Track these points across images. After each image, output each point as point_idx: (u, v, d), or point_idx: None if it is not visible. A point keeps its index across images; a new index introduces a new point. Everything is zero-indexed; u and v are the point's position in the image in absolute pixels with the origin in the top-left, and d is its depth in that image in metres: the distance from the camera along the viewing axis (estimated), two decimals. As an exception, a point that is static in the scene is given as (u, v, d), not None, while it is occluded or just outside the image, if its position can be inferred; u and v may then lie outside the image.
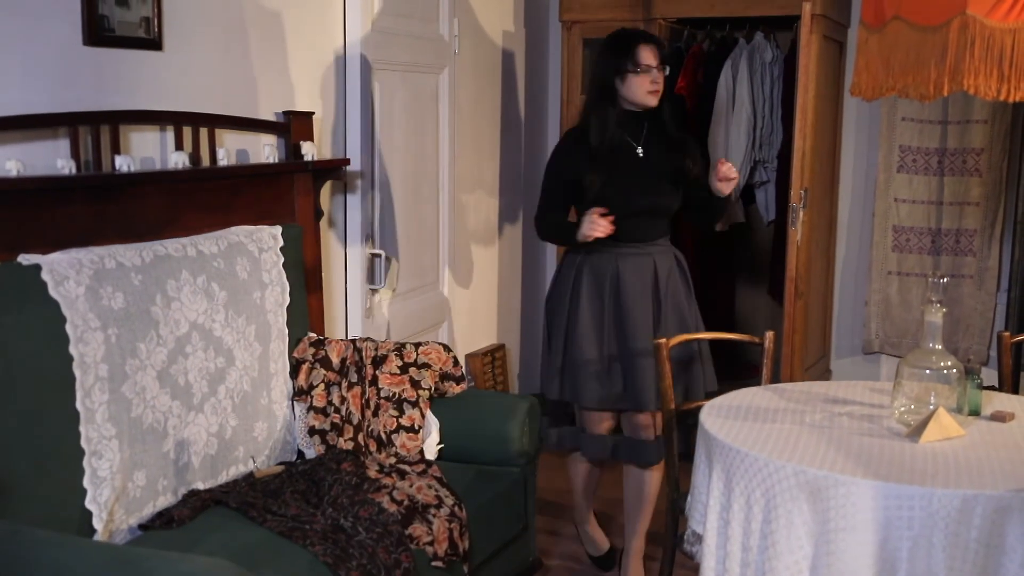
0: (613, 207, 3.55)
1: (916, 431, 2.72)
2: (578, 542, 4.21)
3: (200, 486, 3.00)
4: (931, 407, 2.76)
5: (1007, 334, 3.66)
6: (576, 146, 3.70)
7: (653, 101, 3.65)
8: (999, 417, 2.92)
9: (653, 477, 3.85)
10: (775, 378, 3.75)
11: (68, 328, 2.65)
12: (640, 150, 3.70)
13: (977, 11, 2.73)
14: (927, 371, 2.80)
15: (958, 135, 5.17)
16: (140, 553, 2.29)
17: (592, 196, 3.62)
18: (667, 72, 3.66)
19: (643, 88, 3.62)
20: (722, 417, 2.87)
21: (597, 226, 3.47)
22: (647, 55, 3.61)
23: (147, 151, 3.25)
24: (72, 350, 2.65)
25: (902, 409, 2.83)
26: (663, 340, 3.38)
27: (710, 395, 3.52)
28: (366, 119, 4.18)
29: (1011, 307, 4.87)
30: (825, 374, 5.54)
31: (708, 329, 3.89)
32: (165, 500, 2.88)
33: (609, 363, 3.68)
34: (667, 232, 3.79)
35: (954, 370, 2.81)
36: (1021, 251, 4.79)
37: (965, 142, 5.16)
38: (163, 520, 2.80)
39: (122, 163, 3.04)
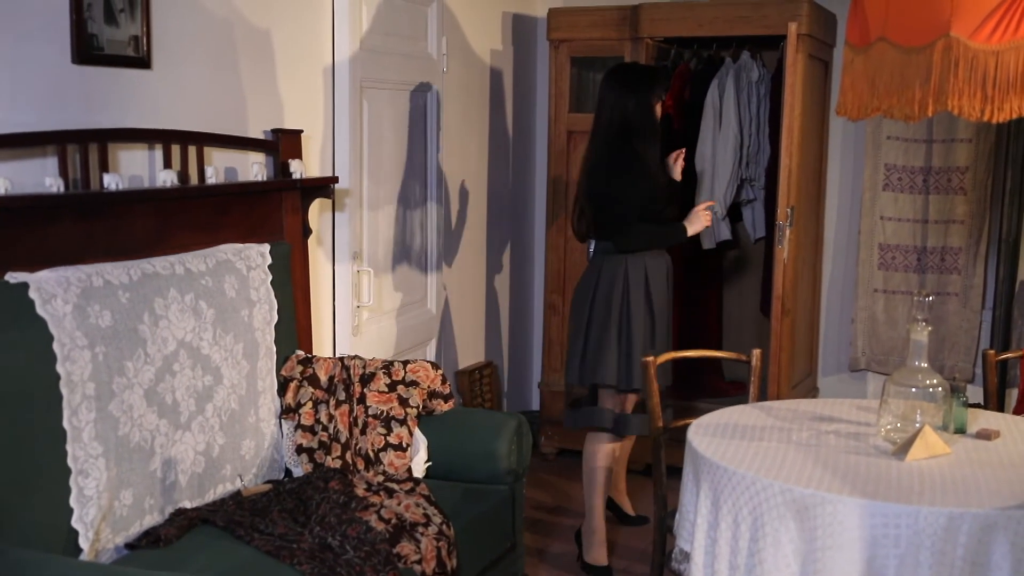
0: (655, 215, 4.06)
1: (902, 449, 2.73)
2: (565, 560, 4.21)
3: (187, 505, 2.99)
4: (917, 425, 2.78)
5: (992, 352, 3.68)
6: (644, 164, 4.02)
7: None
8: (984, 435, 2.93)
9: None
10: (762, 396, 3.76)
11: (55, 346, 2.64)
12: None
13: (960, 33, 2.75)
14: (913, 389, 2.82)
15: (943, 154, 5.21)
16: (126, 573, 2.29)
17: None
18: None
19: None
20: (709, 435, 2.88)
21: (708, 216, 4.16)
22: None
23: (135, 169, 3.26)
24: (59, 368, 2.64)
25: (888, 427, 2.84)
26: (651, 358, 3.39)
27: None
28: (355, 137, 4.19)
29: (996, 325, 4.89)
30: (812, 391, 5.55)
31: (695, 347, 3.91)
32: (152, 519, 2.87)
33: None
34: None
35: (940, 388, 2.82)
36: (1005, 269, 4.82)
37: (950, 161, 5.20)
38: (150, 539, 2.79)
39: (110, 181, 3.04)
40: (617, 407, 4.10)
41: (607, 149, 3.99)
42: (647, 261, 4.04)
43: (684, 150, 4.29)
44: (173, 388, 2.96)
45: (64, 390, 2.64)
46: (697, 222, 4.12)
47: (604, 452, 4.13)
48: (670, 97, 5.21)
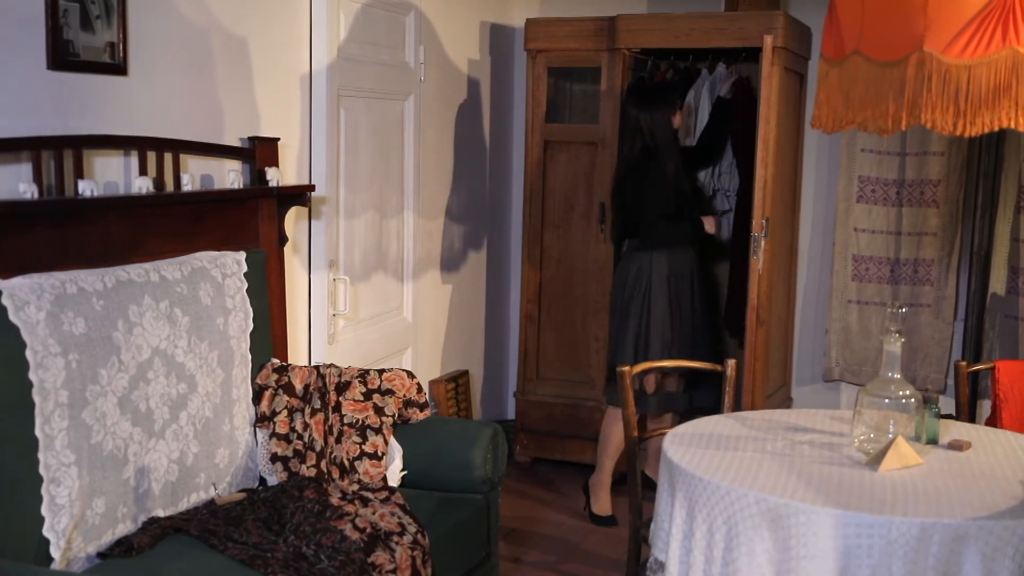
0: (678, 215, 4.64)
1: (875, 459, 2.75)
2: (540, 568, 4.21)
3: (160, 513, 2.97)
4: (890, 436, 2.80)
5: (963, 363, 3.71)
6: (663, 173, 4.60)
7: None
8: (956, 446, 2.96)
9: None
10: (737, 406, 3.78)
11: (28, 354, 2.62)
12: None
13: (934, 48, 2.78)
14: (886, 400, 2.84)
15: (916, 167, 5.25)
16: (99, 582, 2.26)
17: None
18: None
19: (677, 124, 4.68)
20: (684, 445, 2.89)
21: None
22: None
23: (111, 176, 3.24)
24: (32, 376, 2.62)
25: (862, 437, 2.86)
26: (627, 368, 3.41)
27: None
28: (331, 145, 4.18)
29: (967, 336, 4.94)
30: (786, 402, 5.58)
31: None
32: (125, 528, 2.85)
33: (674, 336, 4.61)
34: None
35: (912, 399, 2.85)
36: (977, 281, 4.87)
37: (923, 173, 5.25)
38: (122, 548, 2.77)
39: (85, 188, 3.02)
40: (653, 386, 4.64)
41: (630, 163, 4.60)
42: (671, 255, 4.58)
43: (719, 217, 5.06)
44: (147, 396, 2.94)
45: (37, 398, 2.62)
46: (709, 222, 4.70)
47: (617, 422, 4.48)
48: None
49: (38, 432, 2.62)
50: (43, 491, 2.63)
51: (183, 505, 3.07)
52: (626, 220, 4.70)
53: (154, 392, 2.97)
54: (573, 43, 5.19)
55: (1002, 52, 2.72)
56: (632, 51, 5.15)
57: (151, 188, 3.27)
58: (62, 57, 3.02)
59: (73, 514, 2.68)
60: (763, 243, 4.67)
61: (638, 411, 4.49)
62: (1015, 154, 4.99)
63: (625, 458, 3.48)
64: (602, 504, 4.75)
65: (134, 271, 3.01)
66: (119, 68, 3.23)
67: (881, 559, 2.38)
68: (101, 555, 2.76)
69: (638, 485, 3.38)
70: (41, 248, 2.86)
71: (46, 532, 2.63)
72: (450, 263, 5.37)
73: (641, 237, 4.61)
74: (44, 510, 2.63)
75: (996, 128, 2.80)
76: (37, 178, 2.90)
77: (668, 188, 4.55)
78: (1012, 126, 2.78)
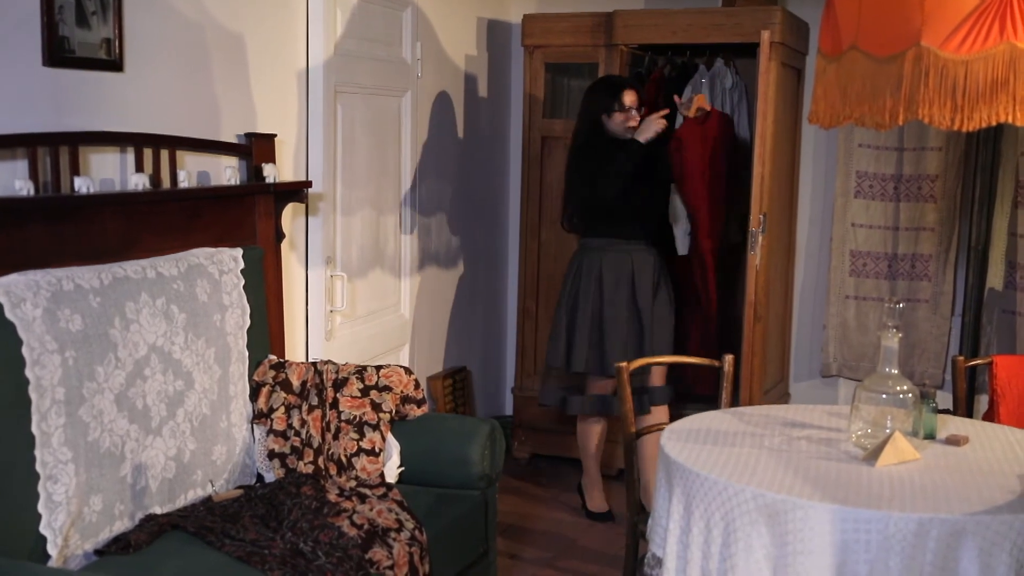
0: (624, 206, 4.54)
1: (873, 455, 2.75)
2: (537, 564, 4.21)
3: (157, 510, 2.97)
4: (887, 431, 2.79)
5: (961, 358, 3.71)
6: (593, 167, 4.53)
7: (628, 135, 4.47)
8: (954, 441, 2.96)
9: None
10: (735, 401, 3.78)
11: (24, 351, 2.61)
12: None
13: (931, 43, 2.78)
14: (883, 395, 2.84)
15: (913, 162, 5.25)
16: (96, 579, 2.26)
17: None
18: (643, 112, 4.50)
19: (625, 124, 4.47)
20: (682, 441, 2.89)
21: (661, 121, 4.46)
22: (630, 99, 4.48)
23: (107, 173, 3.23)
24: (28, 373, 2.61)
25: (859, 433, 2.86)
26: (624, 364, 3.40)
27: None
28: (328, 141, 4.17)
29: (965, 331, 4.94)
30: (784, 397, 5.58)
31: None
32: (122, 525, 2.85)
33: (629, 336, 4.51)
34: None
35: (910, 394, 2.85)
36: (975, 276, 4.87)
37: (920, 169, 5.25)
38: (119, 545, 2.77)
39: (81, 185, 3.02)
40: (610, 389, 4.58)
41: (569, 156, 4.61)
42: (604, 255, 4.49)
43: (666, 111, 4.55)
44: (144, 393, 2.94)
45: (33, 395, 2.62)
46: (648, 129, 4.39)
47: (586, 428, 4.71)
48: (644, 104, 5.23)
49: (35, 429, 2.62)
50: (40, 488, 2.63)
51: (180, 502, 3.07)
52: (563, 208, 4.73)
53: (151, 389, 2.97)
54: (570, 39, 5.19)
55: (999, 47, 2.72)
56: (629, 47, 5.14)
57: (147, 185, 3.26)
58: (58, 54, 3.02)
59: (70, 511, 2.67)
60: (761, 239, 4.67)
61: (603, 413, 4.63)
62: (1012, 149, 4.99)
63: (624, 455, 3.47)
64: (596, 502, 4.77)
65: (131, 268, 3.01)
66: (115, 65, 3.22)
67: (878, 554, 2.38)
68: (98, 552, 2.76)
69: (636, 481, 3.38)
70: (37, 245, 2.86)
71: (43, 529, 2.63)
72: (447, 259, 5.37)
73: (577, 226, 4.64)
74: (41, 507, 2.63)
75: (993, 123, 2.80)
76: (33, 175, 2.90)
77: (595, 186, 4.41)
78: (1009, 121, 2.78)
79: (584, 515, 4.76)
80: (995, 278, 5.11)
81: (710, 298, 5.23)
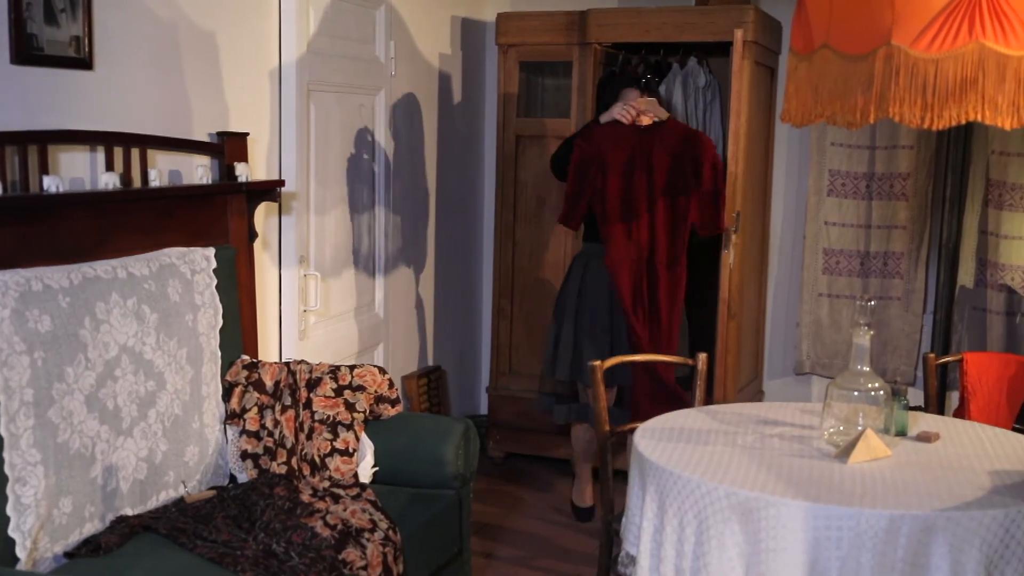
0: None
1: (845, 452, 2.76)
2: (512, 564, 4.21)
3: (129, 512, 2.95)
4: (859, 428, 2.81)
5: (932, 355, 3.74)
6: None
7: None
8: (924, 438, 2.98)
9: None
10: (708, 399, 3.79)
11: (-8, 352, 2.59)
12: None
13: (901, 42, 2.79)
14: (855, 393, 2.86)
15: (885, 160, 5.28)
16: (65, 582, 2.24)
17: None
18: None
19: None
20: (655, 439, 2.89)
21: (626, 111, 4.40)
22: (632, 96, 4.43)
23: (77, 172, 3.20)
24: (-4, 374, 2.59)
25: (831, 430, 2.88)
26: (598, 363, 3.41)
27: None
28: (302, 140, 4.16)
29: (936, 328, 4.97)
30: (758, 395, 5.60)
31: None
32: (92, 527, 2.83)
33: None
34: None
35: (881, 392, 2.86)
36: (946, 274, 4.90)
37: (892, 167, 5.28)
38: (90, 548, 2.74)
39: (50, 184, 2.99)
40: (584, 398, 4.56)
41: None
42: (590, 261, 4.48)
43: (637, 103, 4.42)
44: (115, 394, 2.91)
45: (1, 396, 2.59)
46: (612, 112, 4.39)
47: (576, 435, 4.73)
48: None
49: (3, 431, 2.59)
50: (8, 491, 2.60)
51: (152, 503, 3.05)
52: None
53: (122, 390, 2.94)
54: (544, 37, 5.19)
55: (969, 46, 2.73)
56: (603, 45, 5.15)
57: (118, 184, 3.24)
58: (26, 51, 2.99)
59: (39, 514, 2.65)
60: (734, 237, 4.68)
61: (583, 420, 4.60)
62: (982, 148, 5.03)
63: (599, 453, 3.48)
64: (583, 496, 4.77)
65: (101, 268, 2.98)
66: (84, 63, 3.19)
67: (850, 551, 2.40)
68: (68, 555, 2.73)
69: (610, 480, 3.38)
70: (5, 245, 2.83)
71: (11, 532, 2.60)
72: (422, 258, 5.35)
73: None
74: (9, 510, 2.60)
75: (963, 121, 2.81)
76: (1, 174, 2.87)
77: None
78: (979, 119, 2.80)
79: (571, 509, 4.79)
80: (966, 275, 5.15)
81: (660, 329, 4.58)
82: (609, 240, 4.42)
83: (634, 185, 4.39)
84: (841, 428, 2.86)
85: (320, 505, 3.07)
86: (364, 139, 4.65)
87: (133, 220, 3.26)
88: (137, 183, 3.35)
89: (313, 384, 3.45)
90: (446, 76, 5.49)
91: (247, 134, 3.83)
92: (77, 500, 2.77)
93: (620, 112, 4.36)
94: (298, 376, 3.46)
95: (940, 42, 2.76)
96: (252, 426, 3.38)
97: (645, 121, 4.37)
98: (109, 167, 3.24)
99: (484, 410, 5.79)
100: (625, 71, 5.30)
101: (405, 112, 5.04)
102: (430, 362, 5.48)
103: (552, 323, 4.64)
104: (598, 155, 4.36)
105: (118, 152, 3.28)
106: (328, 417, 3.41)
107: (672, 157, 4.40)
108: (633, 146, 4.38)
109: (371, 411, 3.49)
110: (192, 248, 3.38)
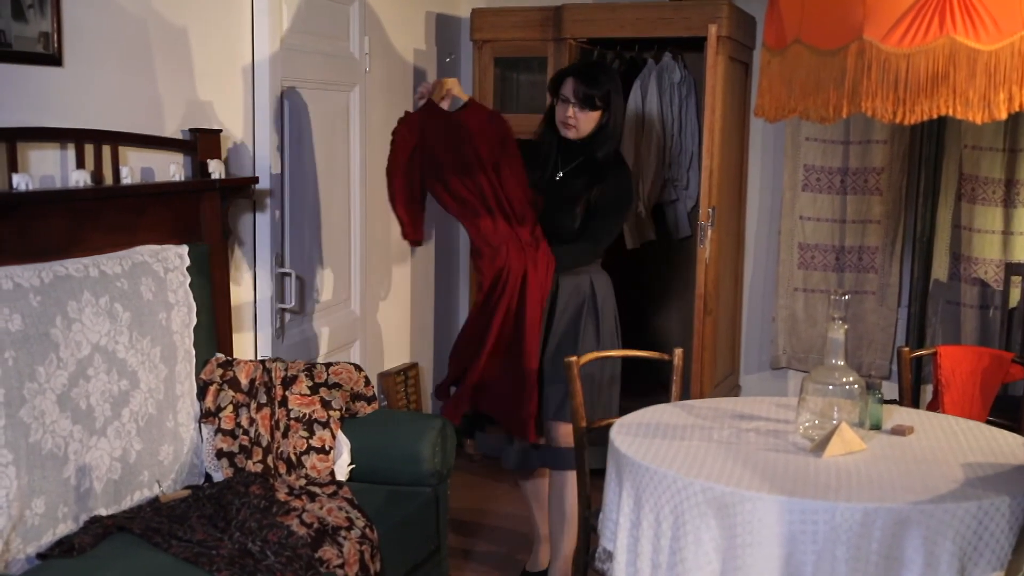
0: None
1: (820, 446, 2.77)
2: (490, 560, 4.21)
3: (103, 512, 2.92)
4: (834, 422, 2.82)
5: (907, 349, 3.76)
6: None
7: (564, 132, 3.85)
8: (899, 431, 2.99)
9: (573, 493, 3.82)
10: (685, 394, 3.80)
11: (-38, 352, 2.56)
12: (560, 175, 3.90)
13: (873, 36, 2.81)
14: (830, 387, 2.87)
15: (859, 155, 5.31)
16: (37, 584, 2.22)
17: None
18: (591, 110, 3.78)
19: (558, 117, 3.86)
20: (632, 434, 2.90)
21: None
22: (568, 88, 3.79)
23: (47, 169, 3.17)
24: (-34, 374, 2.56)
25: (806, 424, 2.89)
26: (575, 358, 3.40)
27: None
28: (275, 137, 4.13)
29: (911, 322, 5.00)
30: (734, 390, 5.62)
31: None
32: (66, 527, 2.80)
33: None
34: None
35: (856, 385, 2.87)
36: (920, 268, 4.93)
37: (866, 162, 5.30)
38: (63, 548, 2.72)
39: (19, 181, 2.96)
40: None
41: None
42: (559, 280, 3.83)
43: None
44: (88, 393, 2.89)
45: (-29, 397, 2.57)
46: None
47: (540, 487, 4.08)
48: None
49: (-27, 432, 2.57)
50: (-21, 492, 2.58)
51: (126, 503, 3.03)
52: None
53: (95, 389, 2.92)
54: (519, 33, 5.18)
55: (939, 40, 2.75)
56: (578, 41, 5.14)
57: (89, 182, 3.21)
58: (-6, 48, 2.96)
59: (11, 515, 2.62)
60: (710, 232, 4.69)
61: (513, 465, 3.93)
62: (955, 142, 5.06)
63: (576, 447, 3.47)
64: (541, 558, 4.11)
65: (73, 266, 2.95)
66: (54, 59, 3.16)
67: (825, 544, 2.40)
68: (41, 556, 2.71)
69: (586, 476, 3.38)
70: (-25, 244, 2.80)
71: (-17, 534, 2.58)
72: (398, 255, 5.34)
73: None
74: (-19, 511, 2.58)
75: (935, 116, 2.83)
76: (-30, 172, 2.84)
77: (549, 194, 3.88)
78: (950, 114, 2.81)
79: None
80: (940, 270, 5.19)
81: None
82: None
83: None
84: (816, 422, 2.87)
85: (296, 503, 3.06)
86: (339, 136, 4.63)
87: (105, 218, 3.24)
88: (109, 181, 3.32)
89: (289, 382, 3.44)
90: (421, 72, 5.47)
91: (220, 131, 3.81)
92: (50, 500, 2.75)
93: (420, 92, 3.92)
94: (273, 374, 3.44)
95: (911, 37, 2.77)
96: (227, 424, 3.36)
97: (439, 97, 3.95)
98: (80, 165, 3.21)
99: (461, 407, 5.77)
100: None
101: (380, 108, 5.02)
102: (407, 359, 5.46)
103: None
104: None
105: (89, 149, 3.25)
106: (304, 415, 3.40)
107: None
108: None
109: (347, 409, 3.48)
110: (165, 246, 3.36)
